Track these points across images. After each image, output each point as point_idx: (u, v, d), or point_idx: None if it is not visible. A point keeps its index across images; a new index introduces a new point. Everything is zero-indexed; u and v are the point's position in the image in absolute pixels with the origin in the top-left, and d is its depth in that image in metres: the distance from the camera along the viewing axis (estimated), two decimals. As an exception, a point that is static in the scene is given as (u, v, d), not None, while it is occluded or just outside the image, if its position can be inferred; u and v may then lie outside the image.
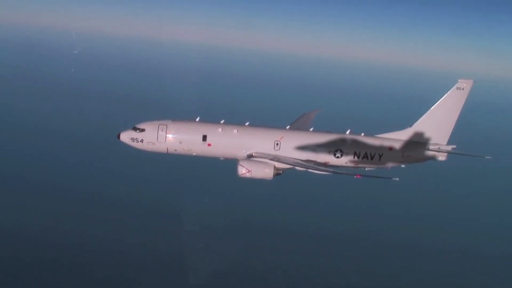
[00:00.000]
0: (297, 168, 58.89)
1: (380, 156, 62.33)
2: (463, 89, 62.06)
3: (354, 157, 61.96)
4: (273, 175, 57.62)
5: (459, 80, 62.35)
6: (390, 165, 63.08)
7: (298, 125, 74.78)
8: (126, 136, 61.17)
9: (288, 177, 60.43)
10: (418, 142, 63.46)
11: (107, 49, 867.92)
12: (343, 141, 62.57)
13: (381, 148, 62.50)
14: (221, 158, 63.34)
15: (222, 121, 62.99)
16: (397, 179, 51.76)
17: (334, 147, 61.81)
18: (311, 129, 66.94)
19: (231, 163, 60.79)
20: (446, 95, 62.79)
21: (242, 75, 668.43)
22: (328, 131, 65.09)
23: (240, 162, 57.53)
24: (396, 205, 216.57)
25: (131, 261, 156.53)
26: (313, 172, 57.49)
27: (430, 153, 63.50)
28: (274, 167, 57.84)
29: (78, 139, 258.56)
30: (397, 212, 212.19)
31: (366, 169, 63.22)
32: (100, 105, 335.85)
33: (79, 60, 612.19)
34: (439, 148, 63.30)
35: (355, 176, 53.89)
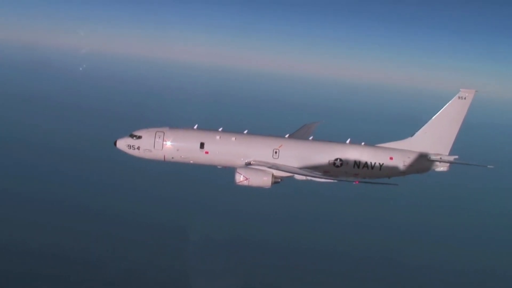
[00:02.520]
0: (296, 176, 57.77)
1: (381, 165, 61.13)
2: (465, 98, 61.19)
3: (354, 167, 60.79)
4: (271, 183, 56.29)
5: (461, 90, 61.49)
6: (390, 175, 61.85)
7: (297, 136, 73.78)
8: (122, 143, 60.32)
9: (286, 185, 59.29)
10: (419, 152, 62.33)
11: (112, 67, 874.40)
12: (343, 150, 61.48)
13: (381, 157, 61.39)
14: (219, 167, 62.28)
15: (220, 129, 62.16)
16: (397, 184, 50.67)
17: (334, 156, 60.71)
18: (310, 138, 66.08)
19: (229, 172, 59.69)
20: (447, 104, 61.90)
21: (242, 94, 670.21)
22: (328, 140, 64.25)
23: (238, 170, 56.29)
24: (397, 216, 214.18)
25: (123, 273, 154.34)
26: (312, 180, 56.32)
27: (432, 163, 62.35)
28: (272, 175, 56.58)
29: (81, 154, 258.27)
30: (398, 223, 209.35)
31: (366, 179, 61.98)
32: (103, 122, 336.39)
33: (85, 78, 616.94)
34: (441, 158, 62.16)
35: (353, 183, 52.94)
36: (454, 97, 61.59)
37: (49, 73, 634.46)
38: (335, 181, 56.69)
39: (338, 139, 65.10)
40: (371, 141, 66.03)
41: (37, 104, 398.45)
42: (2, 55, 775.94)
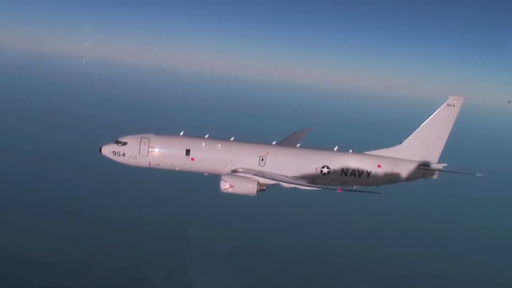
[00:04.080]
0: (281, 184, 57.12)
1: (369, 173, 60.51)
2: (453, 106, 60.70)
3: (341, 174, 60.15)
4: (257, 191, 55.65)
5: (449, 97, 61.05)
6: (378, 182, 61.16)
7: (287, 143, 73.00)
8: (107, 150, 59.75)
9: (273, 193, 58.63)
10: (408, 160, 61.67)
11: (114, 74, 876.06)
12: (330, 157, 60.87)
13: (369, 165, 60.78)
14: (205, 174, 61.58)
15: (206, 136, 61.55)
16: (380, 193, 50.08)
17: (321, 164, 60.08)
18: (297, 145, 65.47)
19: (215, 179, 58.94)
20: (436, 112, 61.47)
21: (237, 101, 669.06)
22: (315, 148, 63.67)
23: (223, 177, 55.69)
24: (386, 224, 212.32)
25: (113, 278, 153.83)
26: (297, 188, 55.72)
27: (420, 171, 61.70)
28: (258, 182, 55.95)
29: (79, 160, 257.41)
30: (387, 231, 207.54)
31: (354, 186, 61.38)
32: (103, 129, 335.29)
33: (87, 84, 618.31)
34: (429, 166, 61.56)
35: (337, 190, 52.34)
36: (443, 105, 61.14)
37: (50, 79, 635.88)
38: (320, 189, 56.02)
39: (329, 146, 64.54)
40: (361, 148, 65.42)
41: (38, 110, 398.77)
42: (3, 60, 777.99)
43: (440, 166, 61.66)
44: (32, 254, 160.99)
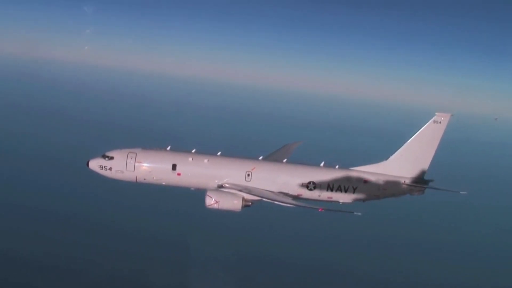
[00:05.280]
0: (266, 200, 57.21)
1: (355, 189, 60.62)
2: (440, 122, 60.86)
3: (327, 190, 60.28)
4: (242, 207, 55.95)
5: (436, 113, 61.23)
6: (364, 198, 61.31)
7: (276, 157, 72.96)
8: (95, 164, 60.05)
9: (257, 209, 58.67)
10: (394, 176, 61.82)
11: (111, 82, 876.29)
12: (316, 173, 61.02)
13: (355, 181, 60.91)
14: (192, 188, 61.72)
15: (193, 150, 61.71)
16: (359, 213, 50.21)
17: (307, 179, 60.23)
18: (284, 161, 65.59)
19: (201, 194, 58.97)
20: (423, 128, 61.62)
21: (233, 109, 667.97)
22: (302, 163, 63.84)
23: (208, 193, 55.91)
24: (378, 231, 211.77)
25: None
26: (281, 205, 55.82)
27: (406, 187, 61.88)
28: (243, 198, 56.24)
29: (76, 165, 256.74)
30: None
31: (340, 202, 61.44)
32: (98, 134, 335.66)
33: (84, 92, 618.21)
34: (416, 182, 61.73)
35: (318, 209, 52.47)
36: (430, 121, 61.25)
37: (48, 84, 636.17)
38: (300, 206, 56.08)
39: (319, 157, 64.71)
40: (349, 163, 65.44)
41: (36, 115, 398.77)
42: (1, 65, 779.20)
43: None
44: (28, 257, 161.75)
